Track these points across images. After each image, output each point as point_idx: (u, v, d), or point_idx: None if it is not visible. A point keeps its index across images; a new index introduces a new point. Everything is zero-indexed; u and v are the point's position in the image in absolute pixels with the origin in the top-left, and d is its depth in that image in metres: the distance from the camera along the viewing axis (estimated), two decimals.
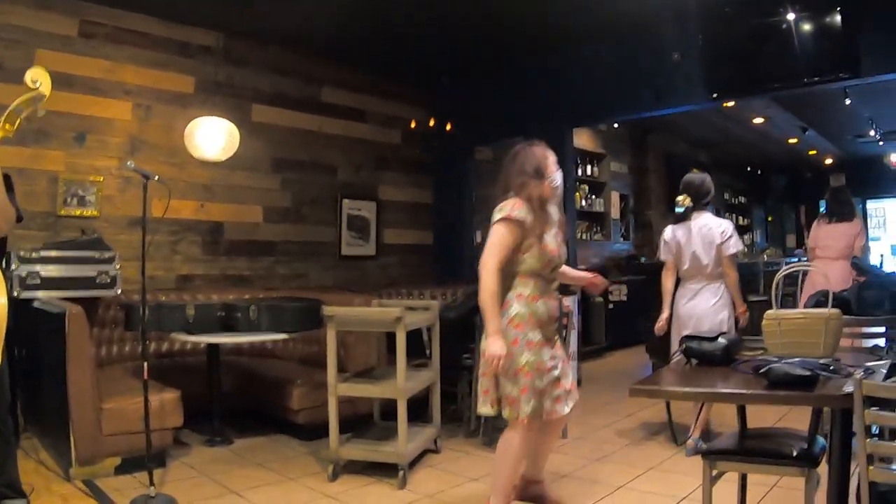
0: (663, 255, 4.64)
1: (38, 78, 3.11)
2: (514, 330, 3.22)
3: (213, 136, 4.58)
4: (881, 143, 11.98)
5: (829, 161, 14.79)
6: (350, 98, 7.71)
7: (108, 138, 5.74)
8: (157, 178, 3.54)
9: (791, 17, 5.61)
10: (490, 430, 4.77)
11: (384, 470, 4.08)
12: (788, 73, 5.70)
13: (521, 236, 3.22)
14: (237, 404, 5.30)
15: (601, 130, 11.21)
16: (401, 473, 3.94)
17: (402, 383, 4.01)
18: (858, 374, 2.11)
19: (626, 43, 6.92)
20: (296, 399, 4.86)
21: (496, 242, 3.19)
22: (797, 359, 2.42)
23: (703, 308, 4.41)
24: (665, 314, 4.56)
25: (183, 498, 3.63)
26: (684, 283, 4.57)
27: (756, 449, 2.69)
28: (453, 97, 8.42)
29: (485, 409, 3.29)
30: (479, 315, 4.72)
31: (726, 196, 15.36)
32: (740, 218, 15.72)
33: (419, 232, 8.56)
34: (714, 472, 2.68)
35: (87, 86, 5.61)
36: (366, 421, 4.75)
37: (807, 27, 5.60)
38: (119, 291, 4.97)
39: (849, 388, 2.10)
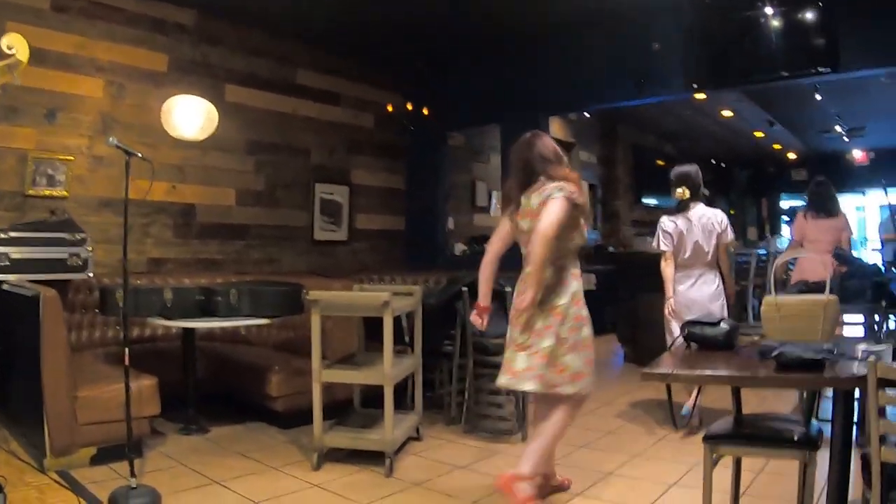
0: (664, 245, 4.70)
1: (13, 44, 2.96)
2: (575, 307, 3.37)
3: (190, 115, 4.43)
4: (846, 139, 12.20)
5: (792, 156, 15.06)
6: (324, 81, 7.58)
7: (80, 116, 5.54)
8: (140, 155, 3.39)
9: (771, 11, 5.66)
10: (473, 418, 4.74)
11: (368, 458, 4.01)
12: (767, 66, 5.76)
13: (574, 217, 3.34)
14: (211, 391, 5.15)
15: (571, 120, 11.23)
16: (387, 461, 3.86)
17: (389, 369, 3.93)
18: (869, 357, 2.12)
19: (606, 32, 6.91)
20: (275, 386, 4.75)
21: (560, 218, 3.25)
22: (800, 343, 2.43)
23: (706, 293, 4.61)
24: (670, 298, 4.65)
25: (165, 489, 3.48)
26: (684, 271, 4.68)
27: (758, 433, 2.71)
28: (428, 82, 8.33)
29: (528, 385, 3.34)
30: (461, 301, 4.76)
31: None
32: None
33: (392, 217, 8.48)
34: (714, 456, 2.69)
35: (58, 61, 5.40)
36: (344, 408, 4.66)
37: (786, 22, 5.65)
38: (91, 274, 4.80)
39: (862, 371, 2.13)
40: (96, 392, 3.91)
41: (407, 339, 4.82)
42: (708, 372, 2.56)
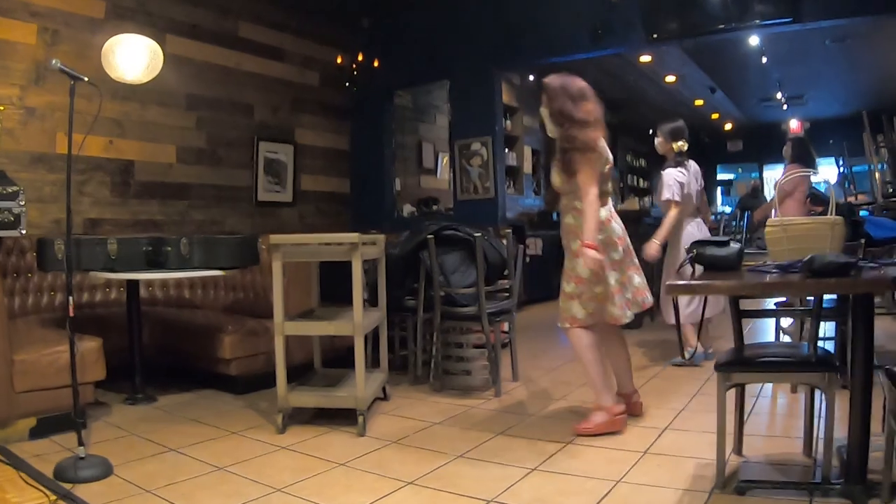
0: (676, 195, 4.83)
1: None
2: (619, 241, 3.50)
3: (134, 55, 4.04)
4: (785, 107, 12.34)
5: (728, 126, 15.23)
6: (268, 35, 7.21)
7: (10, 64, 5.07)
8: (86, 79, 3.04)
9: None
10: (441, 375, 4.53)
11: (336, 418, 3.78)
12: (729, 15, 5.67)
13: (604, 163, 3.44)
14: (156, 360, 4.81)
15: (514, 84, 11.05)
16: (360, 419, 3.60)
17: (360, 319, 3.67)
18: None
19: None
20: (227, 347, 4.45)
21: (595, 172, 3.37)
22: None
23: (706, 233, 4.95)
24: (660, 242, 4.79)
25: (116, 459, 3.16)
26: (688, 218, 4.96)
27: (770, 359, 2.67)
28: (374, 38, 8.01)
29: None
30: (426, 252, 4.52)
31: (629, 158, 15.61)
32: (641, 180, 16.03)
33: (337, 179, 8.18)
34: (728, 384, 2.63)
35: None
36: (304, 371, 4.39)
37: None
38: (24, 232, 4.37)
39: None
40: (35, 355, 3.55)
41: (365, 295, 4.56)
42: (737, 281, 2.41)
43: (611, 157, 3.53)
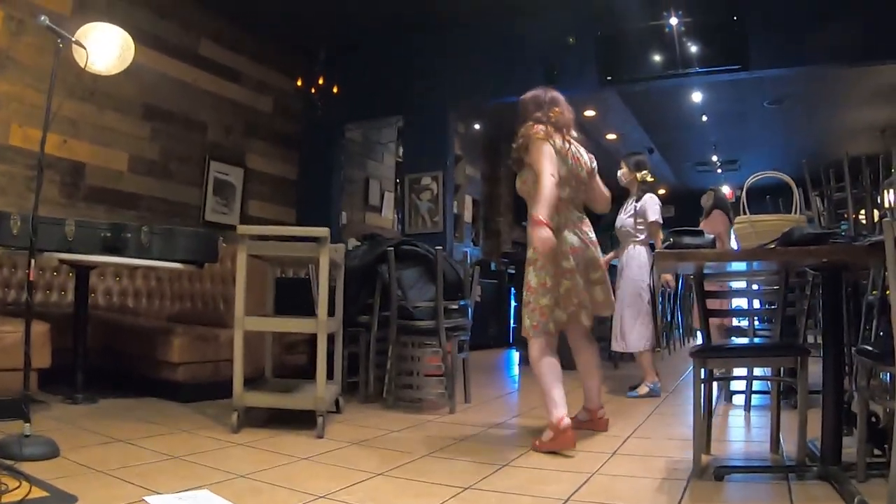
0: (661, 218, 5.14)
1: None
2: (570, 251, 3.47)
3: (107, 45, 3.97)
4: (720, 171, 12.86)
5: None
6: (226, 56, 7.21)
7: None
8: (73, 38, 2.99)
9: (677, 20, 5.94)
10: (394, 389, 4.47)
11: (292, 423, 3.69)
12: (683, 60, 5.99)
13: (564, 161, 3.47)
14: (95, 362, 4.57)
15: (459, 132, 11.27)
16: (320, 420, 3.51)
17: (324, 316, 3.62)
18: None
19: (517, 22, 6.97)
20: (176, 350, 4.32)
21: (547, 158, 3.38)
22: None
23: None
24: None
25: (64, 445, 2.98)
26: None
27: (745, 346, 2.77)
28: (329, 70, 8.05)
29: None
30: (385, 265, 4.51)
31: None
32: None
33: (284, 208, 8.12)
34: (703, 371, 2.73)
35: None
36: (253, 381, 4.27)
37: (699, 23, 5.94)
38: None
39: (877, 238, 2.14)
40: None
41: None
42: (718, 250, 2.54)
43: (582, 163, 3.53)
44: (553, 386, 3.31)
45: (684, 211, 16.46)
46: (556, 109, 3.50)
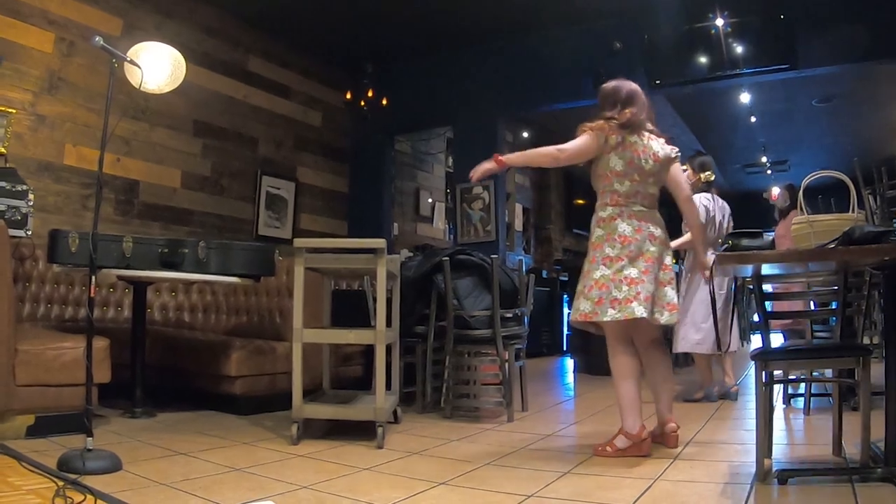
0: (702, 217, 4.78)
1: None
2: (620, 239, 3.34)
3: (158, 63, 4.02)
4: (769, 172, 12.56)
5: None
6: (275, 72, 7.28)
7: (26, 69, 5.04)
8: (128, 58, 3.00)
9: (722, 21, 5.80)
10: (452, 399, 4.40)
11: (351, 434, 3.65)
12: (730, 61, 5.85)
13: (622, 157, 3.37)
14: (153, 378, 4.61)
15: (507, 141, 11.19)
16: (380, 430, 3.45)
17: (383, 326, 3.56)
18: None
19: (565, 30, 6.91)
20: (234, 364, 4.31)
21: (582, 142, 3.37)
22: None
23: None
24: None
25: (125, 458, 2.97)
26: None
27: (807, 348, 2.79)
28: (378, 83, 8.07)
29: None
30: (440, 275, 4.45)
31: None
32: None
33: (336, 221, 8.13)
34: (764, 374, 2.66)
35: (6, 6, 4.91)
36: (311, 394, 4.23)
37: (746, 22, 5.79)
38: (30, 233, 4.25)
39: None
40: (40, 347, 3.43)
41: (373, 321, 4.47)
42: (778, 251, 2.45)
43: (650, 153, 3.34)
44: (629, 394, 3.22)
45: (737, 214, 16.20)
46: (630, 111, 3.35)
